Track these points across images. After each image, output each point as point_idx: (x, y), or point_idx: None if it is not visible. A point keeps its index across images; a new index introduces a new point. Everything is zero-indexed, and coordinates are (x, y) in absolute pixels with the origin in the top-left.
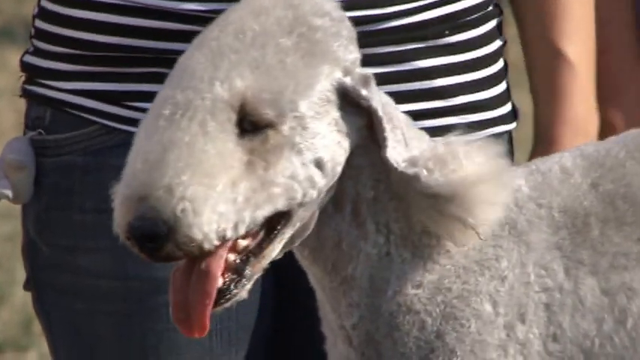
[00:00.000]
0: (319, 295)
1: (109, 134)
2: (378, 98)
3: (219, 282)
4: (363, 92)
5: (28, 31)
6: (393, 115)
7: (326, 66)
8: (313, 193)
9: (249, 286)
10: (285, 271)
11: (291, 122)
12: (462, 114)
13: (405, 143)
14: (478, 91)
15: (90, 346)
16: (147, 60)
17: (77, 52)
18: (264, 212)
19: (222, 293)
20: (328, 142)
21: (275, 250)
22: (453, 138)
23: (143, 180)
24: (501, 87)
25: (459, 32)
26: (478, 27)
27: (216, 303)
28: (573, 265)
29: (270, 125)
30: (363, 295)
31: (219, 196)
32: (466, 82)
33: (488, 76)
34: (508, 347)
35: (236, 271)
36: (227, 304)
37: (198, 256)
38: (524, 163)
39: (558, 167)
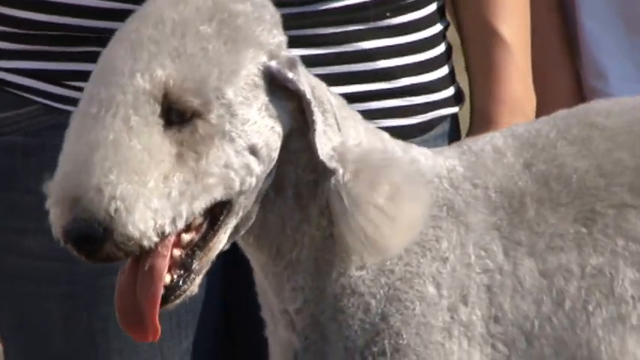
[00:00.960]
0: (259, 282)
1: (49, 114)
2: (306, 81)
3: (167, 279)
4: (290, 75)
5: None
6: (323, 99)
7: (250, 50)
8: (252, 181)
9: (198, 280)
10: (233, 253)
11: (218, 110)
12: (406, 96)
13: (337, 127)
14: (421, 74)
15: (39, 331)
16: (88, 39)
17: (17, 30)
18: (202, 204)
19: (172, 290)
20: (260, 128)
21: (221, 242)
22: (382, 146)
23: (73, 182)
24: (445, 70)
25: (401, 14)
26: (420, 9)
27: (167, 300)
28: (512, 246)
29: (197, 114)
30: (308, 278)
31: (152, 192)
32: (409, 64)
33: (431, 59)
34: (452, 329)
35: (183, 267)
36: (178, 301)
37: (140, 255)
38: (455, 143)
39: (491, 147)
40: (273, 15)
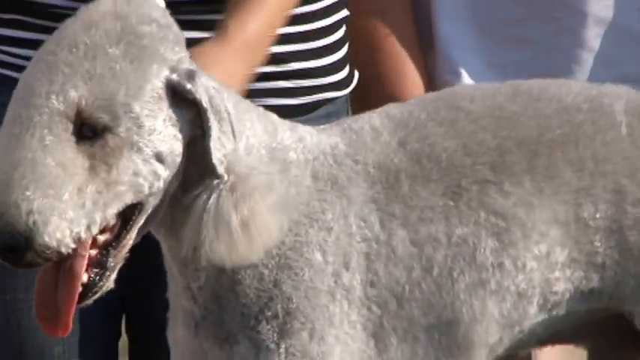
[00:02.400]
0: (167, 261)
1: None
2: (204, 91)
3: (85, 278)
4: (188, 86)
5: None
6: (220, 107)
7: (154, 66)
8: (160, 184)
9: (113, 276)
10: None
11: (126, 123)
12: (293, 79)
13: (232, 135)
14: (311, 59)
15: None
16: (8, 5)
17: None
18: (114, 210)
19: (90, 288)
20: (165, 137)
21: (132, 239)
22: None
23: None
24: (336, 56)
25: (294, 7)
26: (312, 3)
27: (85, 297)
28: (387, 217)
29: (107, 129)
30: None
31: (67, 204)
32: (299, 51)
33: (322, 47)
34: (335, 293)
35: (99, 265)
36: (95, 297)
37: (60, 260)
38: (336, 122)
39: (369, 126)
40: (176, 34)
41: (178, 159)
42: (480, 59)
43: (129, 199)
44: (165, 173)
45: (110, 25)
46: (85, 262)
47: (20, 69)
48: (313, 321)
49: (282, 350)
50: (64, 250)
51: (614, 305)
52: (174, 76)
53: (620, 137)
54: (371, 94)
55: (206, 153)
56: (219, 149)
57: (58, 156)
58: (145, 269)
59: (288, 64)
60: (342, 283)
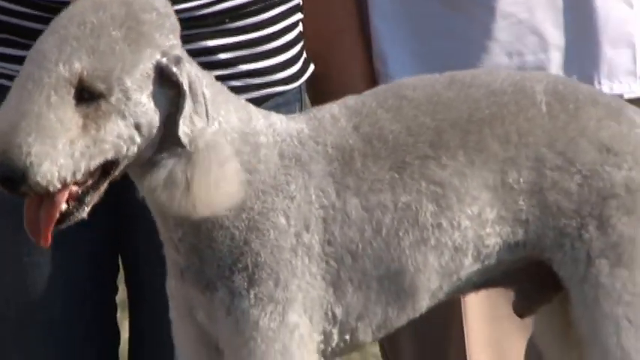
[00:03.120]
0: (155, 216)
1: None
2: (186, 75)
3: (63, 207)
4: (173, 69)
5: None
6: (197, 91)
7: (148, 50)
8: (134, 149)
9: (87, 209)
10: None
11: (117, 94)
12: (243, 78)
13: (205, 116)
14: (259, 61)
15: None
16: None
17: None
18: (96, 162)
19: (67, 215)
20: (147, 110)
21: (106, 186)
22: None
23: (3, 138)
24: (286, 55)
25: (240, 20)
26: (260, 14)
27: (63, 222)
28: (342, 188)
29: (102, 96)
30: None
31: (59, 153)
32: (247, 55)
33: (270, 49)
34: (297, 250)
35: (78, 200)
36: (71, 223)
37: (47, 194)
38: (304, 111)
39: (329, 114)
40: (172, 23)
41: (154, 130)
42: (405, 50)
43: (110, 155)
44: (139, 140)
45: (116, 10)
46: (66, 195)
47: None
48: (278, 272)
49: (252, 296)
50: (51, 188)
51: (536, 254)
52: (164, 60)
53: (541, 114)
54: (325, 85)
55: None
56: (188, 125)
57: (59, 113)
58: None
59: (237, 67)
60: (303, 242)
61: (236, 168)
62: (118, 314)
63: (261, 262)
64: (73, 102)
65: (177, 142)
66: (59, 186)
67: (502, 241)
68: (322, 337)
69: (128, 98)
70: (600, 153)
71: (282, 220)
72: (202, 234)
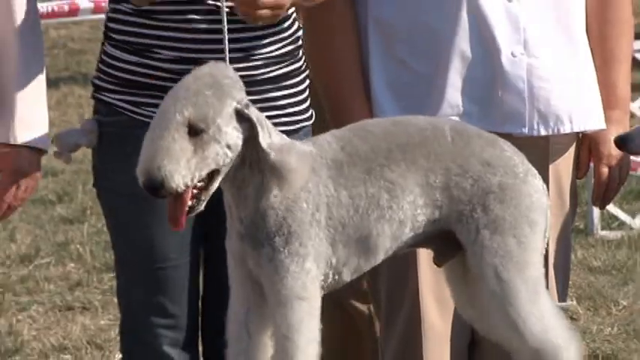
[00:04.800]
0: (227, 201)
1: (133, 121)
2: (255, 114)
3: (189, 203)
4: (246, 111)
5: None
6: (263, 123)
7: (228, 100)
8: (227, 161)
9: (204, 204)
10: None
11: (213, 129)
12: (290, 117)
13: (269, 136)
14: (300, 105)
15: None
16: (156, 87)
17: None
18: (205, 172)
19: (192, 208)
20: (232, 137)
21: (215, 186)
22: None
23: (147, 164)
24: (308, 102)
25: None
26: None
27: (190, 213)
28: (337, 185)
29: (203, 131)
30: (250, 201)
31: (182, 168)
32: (293, 101)
33: (304, 97)
34: (312, 223)
35: (196, 198)
36: (195, 213)
37: (177, 195)
38: (307, 139)
39: (325, 141)
40: (240, 84)
41: (239, 148)
42: (383, 81)
43: (213, 167)
44: (231, 155)
45: (207, 80)
46: (190, 195)
47: None
48: (301, 236)
49: (286, 251)
50: (179, 190)
51: (447, 226)
52: (239, 106)
53: (447, 142)
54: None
55: (255, 146)
56: (265, 140)
57: (180, 145)
58: (221, 215)
59: (286, 109)
60: (315, 218)
61: (300, 160)
62: None
63: (292, 231)
64: (187, 137)
65: (259, 156)
66: (184, 188)
67: (426, 218)
68: (323, 277)
69: (220, 130)
70: (483, 166)
71: (304, 205)
72: (259, 213)
